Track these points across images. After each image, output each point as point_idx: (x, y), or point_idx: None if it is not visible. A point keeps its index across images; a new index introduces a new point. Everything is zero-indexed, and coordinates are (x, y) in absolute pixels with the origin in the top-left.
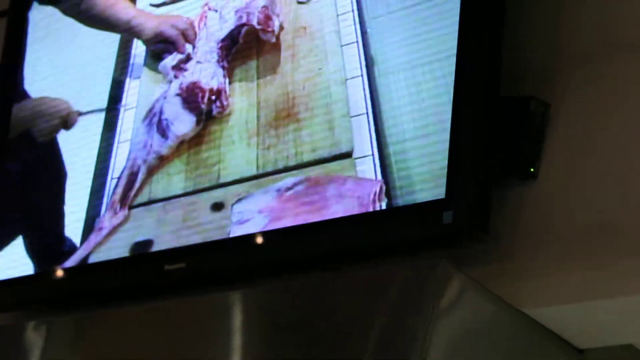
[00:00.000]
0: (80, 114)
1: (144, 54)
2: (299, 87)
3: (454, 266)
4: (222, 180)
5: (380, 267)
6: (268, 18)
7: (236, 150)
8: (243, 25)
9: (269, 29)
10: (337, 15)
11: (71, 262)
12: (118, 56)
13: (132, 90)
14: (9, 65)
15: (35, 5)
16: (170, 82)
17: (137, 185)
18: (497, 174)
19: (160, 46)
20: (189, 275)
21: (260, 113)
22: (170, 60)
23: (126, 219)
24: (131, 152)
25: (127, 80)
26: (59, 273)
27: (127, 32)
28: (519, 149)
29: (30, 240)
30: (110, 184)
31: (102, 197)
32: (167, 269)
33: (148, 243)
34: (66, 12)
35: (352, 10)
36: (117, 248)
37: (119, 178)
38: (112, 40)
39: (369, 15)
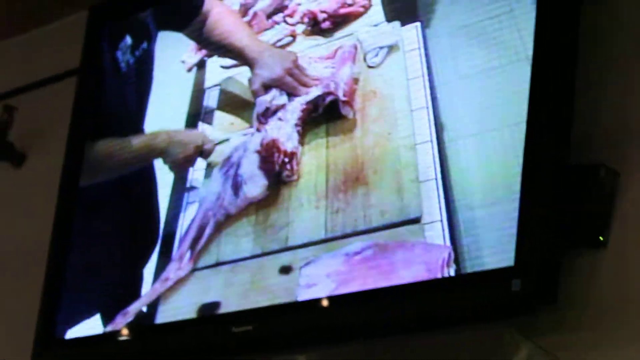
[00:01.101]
0: (216, 144)
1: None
2: (368, 151)
3: (522, 334)
4: (291, 243)
5: (447, 334)
6: (353, 92)
7: (305, 213)
8: (329, 93)
9: (352, 102)
10: (407, 80)
11: (132, 310)
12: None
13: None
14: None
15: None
16: (252, 134)
17: (204, 239)
18: (566, 241)
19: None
20: (256, 338)
21: (329, 177)
22: (262, 105)
23: (191, 276)
24: (204, 202)
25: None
26: (127, 332)
27: (242, 63)
28: (588, 217)
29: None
30: (179, 233)
31: (172, 247)
32: (235, 331)
33: (215, 305)
34: (189, 35)
35: (422, 75)
36: (184, 309)
37: (188, 229)
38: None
39: (439, 80)
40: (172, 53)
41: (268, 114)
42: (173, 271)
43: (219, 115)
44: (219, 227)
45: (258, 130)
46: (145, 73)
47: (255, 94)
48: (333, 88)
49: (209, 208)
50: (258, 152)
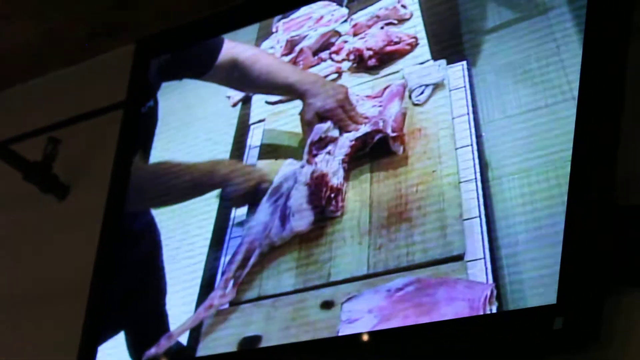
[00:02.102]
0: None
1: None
2: (412, 188)
3: None
4: (333, 278)
5: None
6: (402, 128)
7: (347, 249)
8: (378, 131)
9: (402, 138)
10: (452, 119)
11: (175, 336)
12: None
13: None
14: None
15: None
16: (302, 165)
17: (247, 269)
18: (610, 280)
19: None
20: None
21: (372, 213)
22: (317, 134)
23: (233, 309)
24: (251, 231)
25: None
26: None
27: (292, 97)
28: (632, 256)
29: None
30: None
31: (216, 274)
32: None
33: (257, 339)
34: (221, 82)
35: (468, 114)
36: (225, 341)
37: (232, 257)
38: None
39: (484, 119)
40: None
41: (321, 145)
42: (217, 298)
43: (265, 151)
44: (262, 258)
45: (309, 162)
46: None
47: (309, 124)
48: (382, 126)
49: (255, 238)
50: (308, 184)
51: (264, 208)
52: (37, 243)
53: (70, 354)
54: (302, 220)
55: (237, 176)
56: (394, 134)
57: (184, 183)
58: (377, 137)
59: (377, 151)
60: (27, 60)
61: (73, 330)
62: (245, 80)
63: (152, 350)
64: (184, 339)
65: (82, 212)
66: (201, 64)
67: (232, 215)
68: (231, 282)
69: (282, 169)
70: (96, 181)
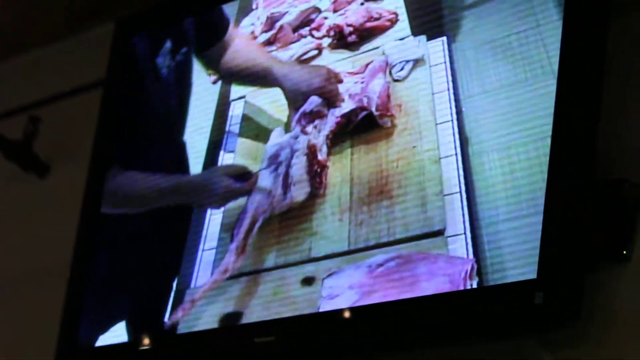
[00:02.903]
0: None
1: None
2: (392, 164)
3: (544, 348)
4: (314, 254)
5: (469, 347)
6: (386, 106)
7: (328, 225)
8: (363, 109)
9: (388, 114)
10: (433, 94)
11: (197, 300)
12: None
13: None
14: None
15: None
16: (296, 136)
17: (253, 232)
18: (590, 256)
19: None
20: (278, 349)
21: (353, 189)
22: (311, 105)
23: (215, 286)
24: (254, 198)
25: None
26: (148, 342)
27: (268, 84)
28: (612, 232)
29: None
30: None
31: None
32: (257, 342)
33: (238, 315)
34: (203, 60)
35: (448, 89)
36: (206, 319)
37: (241, 221)
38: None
39: (464, 94)
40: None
41: (311, 118)
42: (231, 263)
43: (245, 127)
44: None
45: (303, 132)
46: (185, 78)
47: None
48: (366, 103)
49: (259, 205)
50: (306, 155)
51: (265, 176)
52: (18, 221)
53: (51, 333)
54: (301, 190)
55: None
56: (378, 112)
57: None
58: (361, 115)
59: (358, 128)
60: (7, 38)
61: (54, 308)
62: (228, 69)
63: (179, 314)
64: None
65: (63, 191)
66: (208, 38)
67: None
68: (239, 249)
69: (273, 137)
70: (77, 159)
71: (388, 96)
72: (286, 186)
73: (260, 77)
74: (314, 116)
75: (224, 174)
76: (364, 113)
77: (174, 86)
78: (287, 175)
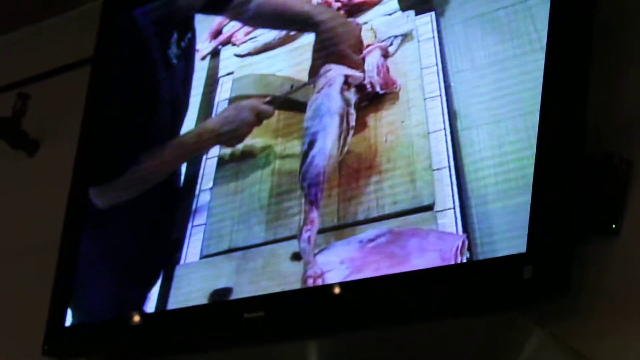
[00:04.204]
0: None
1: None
2: (381, 139)
3: (534, 322)
4: None
5: (459, 321)
6: (388, 83)
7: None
8: (369, 93)
9: (393, 88)
10: (421, 69)
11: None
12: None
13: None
14: None
15: None
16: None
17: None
18: (579, 229)
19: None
20: (267, 324)
21: (342, 165)
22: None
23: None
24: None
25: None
26: (137, 319)
27: (304, 29)
28: (601, 205)
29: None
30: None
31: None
32: (246, 317)
33: (227, 291)
34: (233, 17)
35: (436, 64)
36: (196, 294)
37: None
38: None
39: (452, 69)
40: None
41: (326, 82)
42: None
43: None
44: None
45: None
46: (189, 61)
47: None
48: (370, 89)
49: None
50: (339, 115)
51: (327, 124)
52: (7, 198)
53: (42, 309)
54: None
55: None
56: (383, 91)
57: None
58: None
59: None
60: None
61: (43, 285)
62: (261, 14)
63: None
64: (155, 294)
65: (52, 168)
66: None
67: None
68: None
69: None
70: (66, 137)
71: (387, 70)
72: (343, 144)
73: (297, 22)
74: (329, 81)
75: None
76: (370, 92)
77: (182, 72)
78: (341, 129)
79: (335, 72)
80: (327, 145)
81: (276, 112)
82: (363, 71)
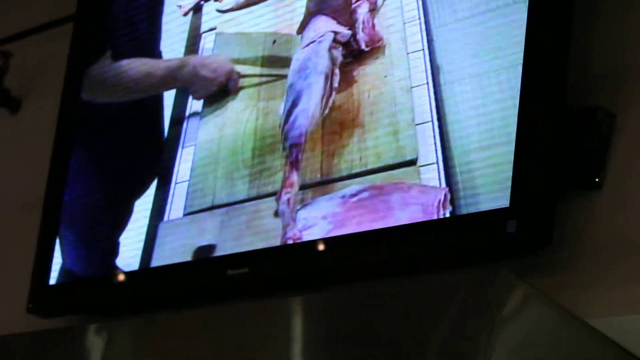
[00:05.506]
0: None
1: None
2: (364, 94)
3: (517, 275)
4: None
5: (442, 276)
6: (373, 39)
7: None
8: (354, 49)
9: (378, 44)
10: (404, 23)
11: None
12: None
13: None
14: None
15: None
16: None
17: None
18: (562, 184)
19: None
20: (251, 281)
21: (325, 120)
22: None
23: (186, 219)
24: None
25: None
26: (121, 277)
27: None
28: (584, 159)
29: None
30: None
31: None
32: (230, 274)
33: (211, 248)
34: None
35: (419, 18)
36: (179, 251)
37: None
38: None
39: (435, 23)
40: None
41: (315, 36)
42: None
43: None
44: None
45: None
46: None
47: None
48: (355, 47)
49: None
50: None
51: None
52: None
53: (25, 268)
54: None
55: (200, 79)
56: (368, 48)
57: (152, 79)
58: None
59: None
60: None
61: (27, 243)
62: None
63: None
64: (138, 252)
65: (35, 125)
66: None
67: None
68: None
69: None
70: (48, 94)
71: (373, 26)
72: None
73: None
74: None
75: None
76: (355, 49)
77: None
78: (324, 91)
79: (325, 28)
80: (310, 106)
81: (259, 68)
82: (351, 27)
